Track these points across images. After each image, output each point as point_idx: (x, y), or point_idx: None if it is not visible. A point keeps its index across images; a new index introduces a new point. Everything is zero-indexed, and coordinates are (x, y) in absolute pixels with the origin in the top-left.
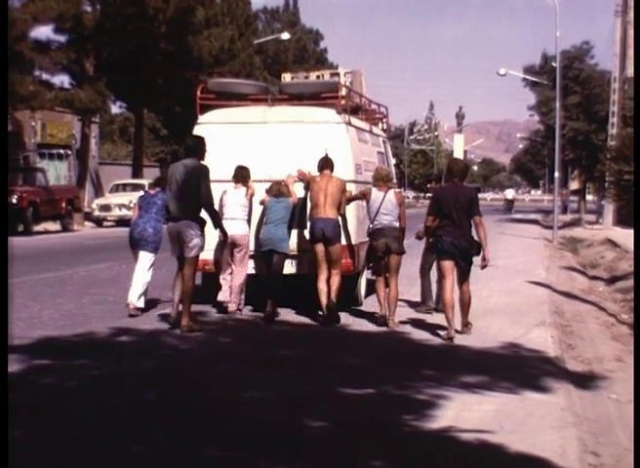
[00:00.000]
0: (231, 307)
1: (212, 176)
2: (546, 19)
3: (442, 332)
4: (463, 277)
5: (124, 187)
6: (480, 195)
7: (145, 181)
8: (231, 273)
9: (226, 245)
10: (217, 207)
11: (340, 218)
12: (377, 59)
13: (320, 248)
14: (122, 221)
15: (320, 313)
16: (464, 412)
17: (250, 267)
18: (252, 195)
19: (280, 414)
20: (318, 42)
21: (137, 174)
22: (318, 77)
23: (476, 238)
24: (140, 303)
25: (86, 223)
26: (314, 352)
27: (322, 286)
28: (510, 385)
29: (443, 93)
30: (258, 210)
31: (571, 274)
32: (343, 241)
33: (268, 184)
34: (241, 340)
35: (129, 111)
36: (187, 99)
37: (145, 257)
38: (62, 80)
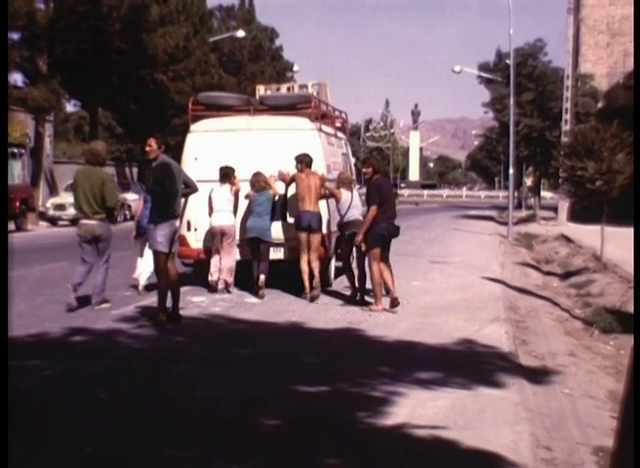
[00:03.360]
0: (220, 286)
1: (203, 177)
2: (500, 17)
3: (374, 307)
4: (387, 258)
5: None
6: (436, 192)
7: None
8: (220, 259)
9: (216, 234)
10: (207, 202)
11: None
12: (332, 57)
13: (304, 236)
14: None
15: (304, 295)
16: (419, 409)
17: (236, 254)
18: (237, 191)
19: (234, 413)
20: (273, 40)
21: None
22: (289, 89)
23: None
24: (145, 282)
25: (40, 223)
26: (269, 350)
27: (305, 267)
28: (464, 381)
29: (399, 90)
30: (243, 204)
31: (525, 270)
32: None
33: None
34: (195, 339)
35: (83, 109)
36: (142, 97)
37: None
38: (15, 78)
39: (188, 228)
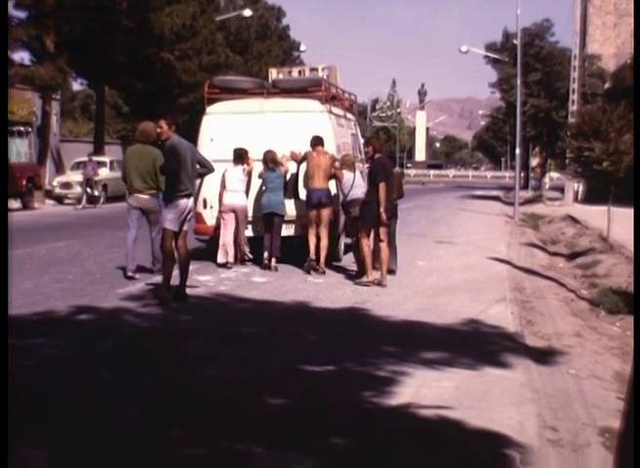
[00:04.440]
0: (230, 260)
1: (218, 157)
2: None
3: (365, 279)
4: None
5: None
6: (442, 172)
7: (107, 158)
8: (235, 234)
9: (227, 212)
10: (220, 181)
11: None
12: (339, 37)
13: (314, 212)
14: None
15: (307, 263)
16: (424, 389)
17: (247, 231)
18: (251, 170)
19: (239, 392)
20: (280, 19)
21: (98, 151)
22: (300, 72)
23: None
24: None
25: (47, 201)
26: (274, 330)
27: (312, 238)
28: (470, 361)
29: (405, 70)
30: (257, 182)
31: (531, 250)
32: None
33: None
34: (201, 318)
35: (90, 88)
36: (149, 76)
37: None
38: (23, 57)
39: (204, 206)
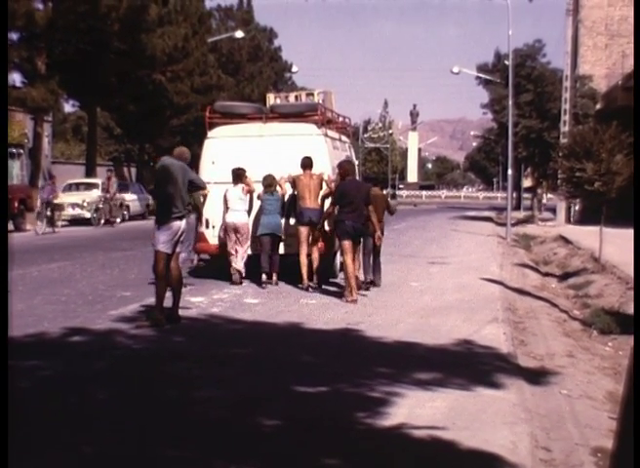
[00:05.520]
0: (235, 278)
1: (220, 179)
2: (499, 17)
3: (349, 297)
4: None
5: (77, 186)
6: (434, 193)
7: (99, 180)
8: (236, 252)
9: (229, 230)
10: (222, 202)
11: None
12: (331, 58)
13: (305, 231)
14: (75, 221)
15: (300, 285)
16: (417, 409)
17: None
18: (251, 191)
19: (232, 413)
20: (272, 40)
21: (90, 173)
22: (296, 97)
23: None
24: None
25: (38, 223)
26: (268, 351)
27: (304, 259)
28: (463, 382)
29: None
30: (257, 203)
31: (524, 271)
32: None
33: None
34: (194, 339)
35: (82, 110)
36: (141, 98)
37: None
38: (14, 78)
39: (207, 226)
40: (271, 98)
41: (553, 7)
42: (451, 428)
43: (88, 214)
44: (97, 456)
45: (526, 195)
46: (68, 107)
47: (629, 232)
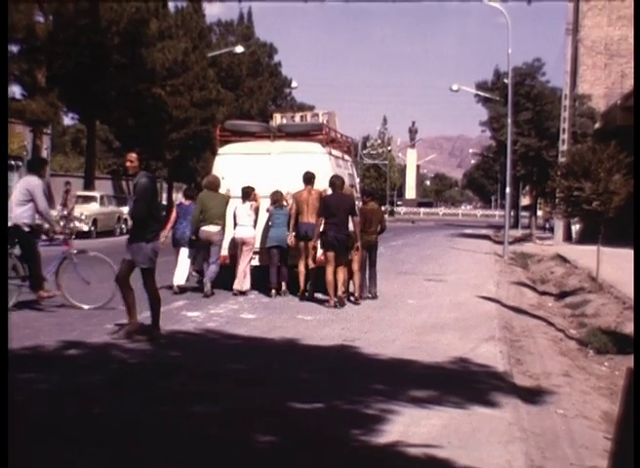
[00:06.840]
0: (236, 286)
1: (229, 193)
2: (499, 36)
3: (327, 304)
4: (349, 262)
5: (76, 199)
6: (432, 210)
7: (97, 193)
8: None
9: (238, 244)
10: (231, 217)
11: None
12: (330, 74)
13: (302, 244)
14: (74, 233)
15: (298, 294)
16: (413, 427)
17: (254, 260)
18: (257, 207)
19: (227, 429)
20: (272, 55)
21: (89, 186)
22: (302, 117)
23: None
24: (183, 282)
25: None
26: (263, 366)
27: (302, 269)
28: (458, 400)
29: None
30: (264, 216)
31: (521, 289)
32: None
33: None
34: (190, 354)
35: (81, 123)
36: (140, 112)
37: (185, 252)
38: (14, 91)
39: None
40: (278, 118)
41: (553, 26)
42: (446, 446)
43: (86, 228)
44: None
45: (524, 213)
46: (68, 120)
47: (627, 252)
